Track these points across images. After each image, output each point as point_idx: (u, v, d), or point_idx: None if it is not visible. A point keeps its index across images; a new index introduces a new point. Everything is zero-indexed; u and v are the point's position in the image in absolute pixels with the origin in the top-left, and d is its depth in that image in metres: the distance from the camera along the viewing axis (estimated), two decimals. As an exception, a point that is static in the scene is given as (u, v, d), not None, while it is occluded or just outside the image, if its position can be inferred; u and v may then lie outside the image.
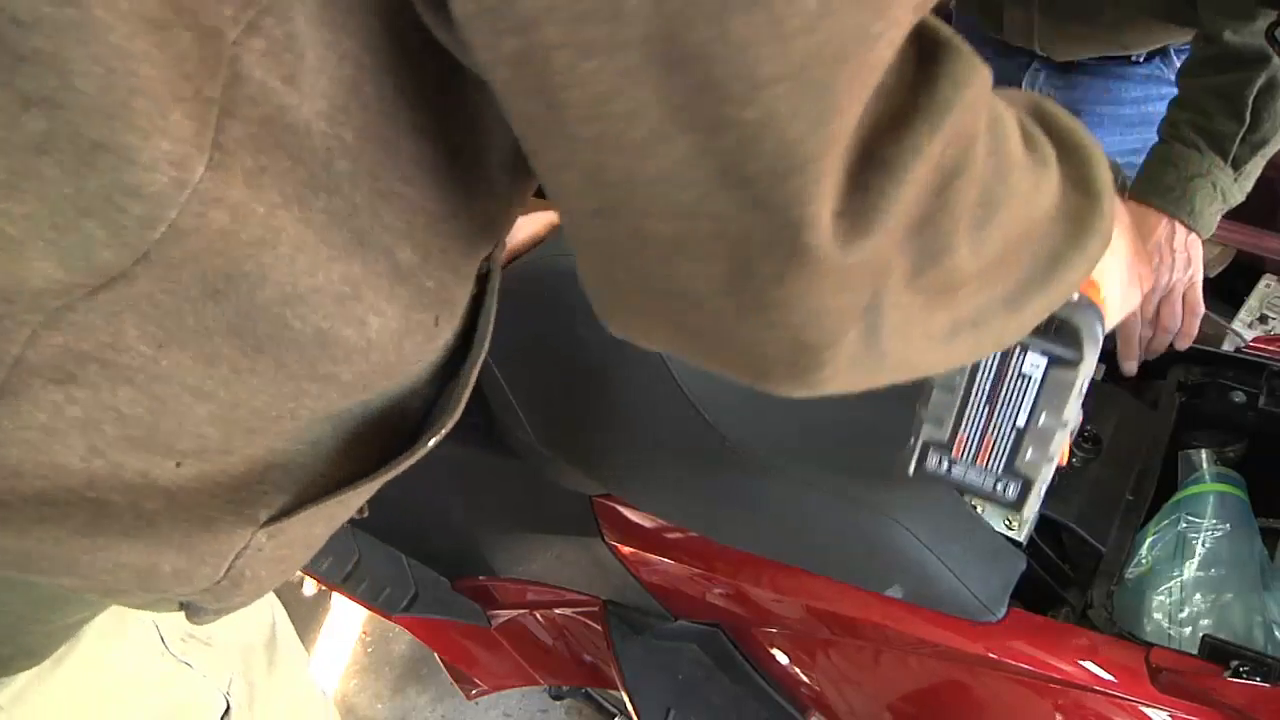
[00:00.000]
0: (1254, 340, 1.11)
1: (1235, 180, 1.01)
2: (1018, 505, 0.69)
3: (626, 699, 1.10)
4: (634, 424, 0.98)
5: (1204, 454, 0.96)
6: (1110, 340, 1.04)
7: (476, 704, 1.78)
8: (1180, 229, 1.01)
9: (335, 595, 1.66)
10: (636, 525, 1.06)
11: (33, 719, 0.58)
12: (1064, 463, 0.69)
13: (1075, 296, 0.62)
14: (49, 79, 0.29)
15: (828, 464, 0.89)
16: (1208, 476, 0.93)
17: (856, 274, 0.36)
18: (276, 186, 0.35)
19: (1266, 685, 0.73)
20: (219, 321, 0.39)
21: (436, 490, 1.23)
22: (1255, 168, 1.02)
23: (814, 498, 0.89)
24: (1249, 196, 1.04)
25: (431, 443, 0.52)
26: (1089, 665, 0.80)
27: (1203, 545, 0.87)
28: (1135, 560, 0.90)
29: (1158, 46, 1.32)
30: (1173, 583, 0.86)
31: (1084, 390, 0.64)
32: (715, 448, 0.91)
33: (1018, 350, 0.64)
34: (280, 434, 0.46)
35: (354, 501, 0.52)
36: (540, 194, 0.40)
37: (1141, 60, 1.34)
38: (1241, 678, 0.74)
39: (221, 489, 0.45)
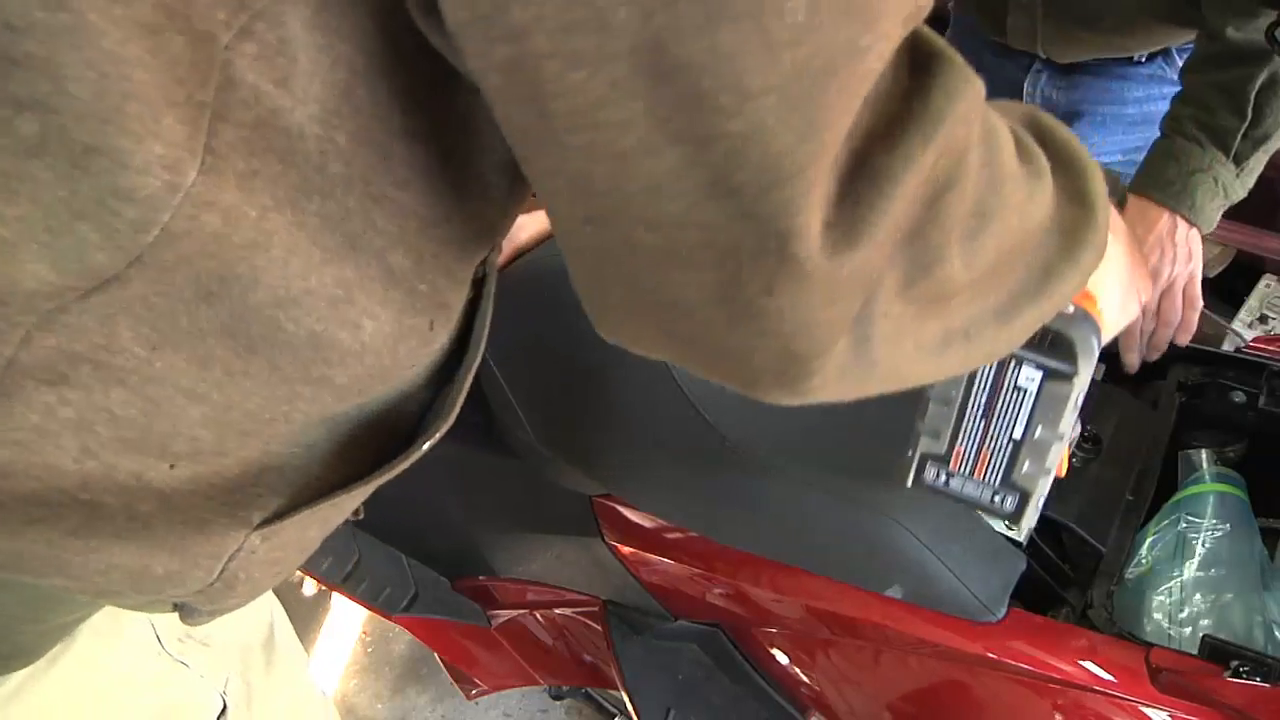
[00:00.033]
0: (1254, 340, 1.11)
1: (1237, 176, 1.01)
2: (1015, 517, 0.69)
3: (626, 699, 1.10)
4: (634, 423, 0.98)
5: (1204, 454, 0.96)
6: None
7: (476, 704, 1.78)
8: (1181, 223, 1.01)
9: (335, 595, 1.66)
10: (636, 525, 1.06)
11: (27, 718, 0.58)
12: (1061, 474, 0.69)
13: (1071, 309, 0.62)
14: (41, 84, 0.29)
15: (828, 464, 0.89)
16: (1208, 476, 0.93)
17: (846, 284, 0.36)
18: (268, 190, 0.35)
19: (1266, 685, 0.73)
20: (212, 323, 0.39)
21: (436, 490, 1.23)
22: (1257, 163, 1.02)
23: (814, 498, 0.89)
24: (1249, 196, 1.04)
25: (426, 446, 0.52)
26: (1089, 665, 0.80)
27: (1203, 545, 0.87)
28: (1135, 560, 0.90)
29: (1160, 47, 1.32)
30: (1173, 583, 0.86)
31: (1079, 403, 0.64)
32: (715, 448, 0.91)
33: (1013, 363, 0.64)
34: (274, 437, 0.46)
35: (348, 504, 0.52)
36: None
37: (1143, 60, 1.33)
38: (1241, 678, 0.74)
39: (215, 491, 0.45)
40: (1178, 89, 1.07)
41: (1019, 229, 0.43)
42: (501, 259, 1.04)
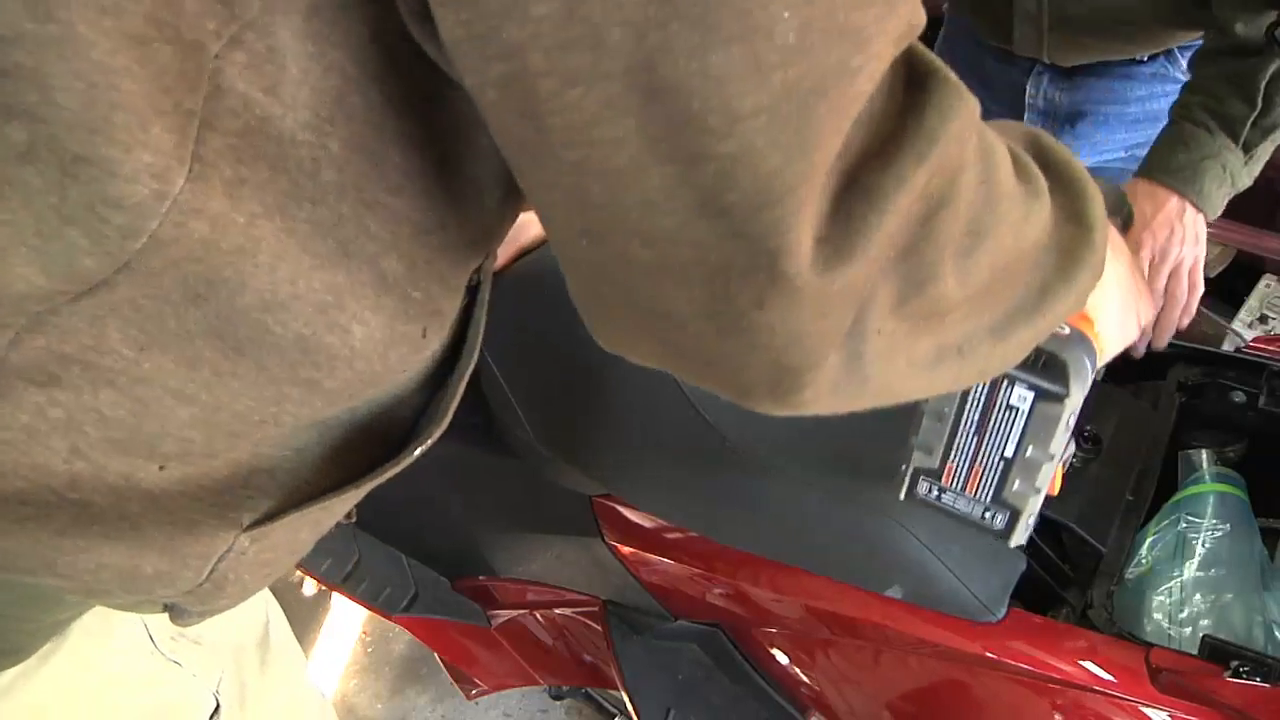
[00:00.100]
0: (1254, 340, 1.11)
1: (1245, 164, 1.01)
2: (1005, 534, 0.70)
3: (626, 699, 1.10)
4: (634, 423, 0.98)
5: (1204, 454, 0.95)
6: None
7: (476, 704, 1.78)
8: (1189, 207, 1.01)
9: (335, 595, 1.66)
10: (636, 525, 1.06)
11: (18, 717, 0.58)
12: (1054, 492, 0.69)
13: (1066, 331, 0.62)
14: (29, 94, 0.30)
15: (828, 464, 0.89)
16: (1208, 476, 0.93)
17: (837, 300, 0.36)
18: (257, 197, 0.36)
19: (1266, 685, 0.73)
20: (200, 325, 0.39)
21: (436, 490, 1.23)
22: (1265, 152, 1.02)
23: (814, 498, 0.89)
24: (1249, 196, 1.04)
25: (418, 452, 0.53)
26: (1089, 665, 0.80)
27: (1203, 545, 0.87)
28: (1135, 560, 0.90)
29: (1163, 48, 1.32)
30: (1173, 583, 0.86)
31: (1071, 425, 0.64)
32: (715, 448, 0.91)
33: (1006, 382, 0.64)
34: (264, 439, 0.46)
35: (339, 508, 0.52)
36: None
37: (1146, 59, 1.33)
38: (1241, 678, 0.74)
39: (205, 492, 0.45)
40: (1180, 86, 1.08)
41: (1014, 248, 0.43)
42: (503, 259, 1.05)
